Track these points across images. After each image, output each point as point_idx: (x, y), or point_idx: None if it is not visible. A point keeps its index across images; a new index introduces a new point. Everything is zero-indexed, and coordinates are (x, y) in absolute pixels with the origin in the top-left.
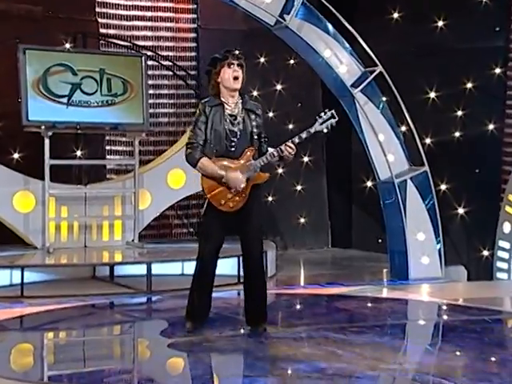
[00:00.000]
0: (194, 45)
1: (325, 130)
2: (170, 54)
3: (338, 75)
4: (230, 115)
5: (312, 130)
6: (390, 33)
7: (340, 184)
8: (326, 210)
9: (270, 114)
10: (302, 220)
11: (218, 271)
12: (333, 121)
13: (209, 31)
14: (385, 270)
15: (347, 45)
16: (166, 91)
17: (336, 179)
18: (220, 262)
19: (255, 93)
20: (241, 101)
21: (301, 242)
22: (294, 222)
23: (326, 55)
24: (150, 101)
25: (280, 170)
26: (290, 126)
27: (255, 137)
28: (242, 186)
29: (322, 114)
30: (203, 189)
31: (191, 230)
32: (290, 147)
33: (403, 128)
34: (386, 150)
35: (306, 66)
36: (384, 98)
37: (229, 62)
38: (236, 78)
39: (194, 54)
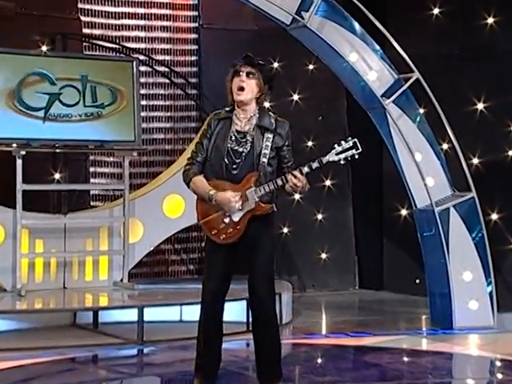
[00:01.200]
0: (194, 47)
1: (342, 162)
2: (167, 58)
3: (367, 83)
4: (238, 132)
5: (324, 160)
6: (428, 32)
7: (369, 212)
8: (352, 243)
9: None
10: (324, 255)
11: (224, 317)
12: (354, 152)
13: (212, 31)
14: (424, 317)
15: (377, 47)
16: (161, 102)
17: (364, 207)
18: (226, 306)
19: (267, 104)
20: (257, 116)
21: (322, 282)
22: (314, 258)
23: (351, 59)
24: (143, 113)
25: (297, 196)
26: (309, 144)
27: (264, 160)
28: (237, 206)
29: (343, 142)
30: (197, 214)
31: (191, 267)
32: (296, 178)
33: (445, 146)
34: (424, 173)
35: (328, 73)
36: (421, 110)
37: (237, 69)
38: (241, 89)
39: (194, 58)
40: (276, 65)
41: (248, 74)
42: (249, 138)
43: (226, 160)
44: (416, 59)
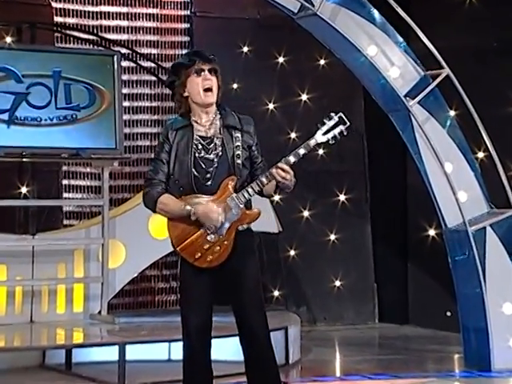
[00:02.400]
0: (186, 39)
1: (331, 142)
2: (153, 51)
3: (388, 81)
4: (203, 138)
5: (312, 143)
6: (460, 22)
7: (390, 232)
8: (370, 268)
9: (293, 135)
10: (338, 283)
11: (213, 356)
12: (342, 128)
13: (207, 20)
14: (456, 357)
15: (400, 38)
16: (147, 103)
17: (385, 225)
18: (219, 343)
19: (271, 106)
20: (219, 117)
21: (335, 315)
22: (326, 286)
23: (370, 53)
24: (126, 117)
25: (306, 213)
26: (320, 152)
27: (238, 162)
28: (220, 218)
29: (326, 120)
30: (171, 240)
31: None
32: (284, 170)
33: (480, 154)
34: (455, 186)
35: (343, 69)
36: (452, 113)
37: (197, 67)
38: (208, 90)
39: (185, 51)
40: (281, 59)
41: (211, 72)
42: (217, 141)
43: (194, 172)
44: (446, 53)
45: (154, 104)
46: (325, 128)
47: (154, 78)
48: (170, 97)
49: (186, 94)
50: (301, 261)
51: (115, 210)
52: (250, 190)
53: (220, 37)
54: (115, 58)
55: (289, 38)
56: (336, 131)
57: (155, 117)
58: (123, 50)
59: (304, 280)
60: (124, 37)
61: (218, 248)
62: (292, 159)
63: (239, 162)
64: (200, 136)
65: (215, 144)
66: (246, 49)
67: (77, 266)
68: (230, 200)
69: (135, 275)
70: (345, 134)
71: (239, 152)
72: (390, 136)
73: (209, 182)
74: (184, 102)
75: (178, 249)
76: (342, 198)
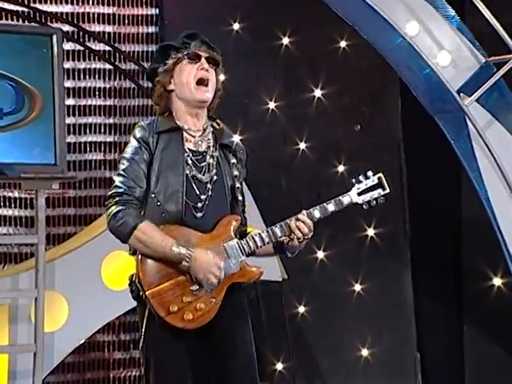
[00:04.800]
0: (152, 12)
1: (364, 206)
2: (108, 29)
3: (434, 71)
4: (193, 152)
5: (346, 201)
6: None
7: (439, 281)
8: (411, 331)
9: (302, 146)
10: (365, 352)
11: None
12: (380, 194)
13: None
14: None
15: (452, 12)
16: (99, 101)
17: (431, 271)
18: None
19: (272, 104)
20: (211, 130)
21: None
22: (349, 357)
23: (409, 32)
24: (70, 120)
25: (321, 254)
26: (340, 169)
27: (240, 198)
28: (222, 276)
29: (362, 177)
30: (139, 280)
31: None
32: (306, 225)
33: None
34: None
35: (371, 54)
36: None
37: (191, 52)
38: (203, 82)
39: (152, 29)
40: (286, 41)
41: (210, 61)
42: (210, 160)
43: (185, 195)
44: None
45: (109, 102)
46: (361, 186)
47: (108, 66)
48: (134, 92)
49: (171, 87)
50: (313, 320)
51: (54, 251)
52: (257, 239)
53: (201, 9)
54: (54, 38)
55: (296, 12)
56: (373, 195)
57: (111, 120)
58: (66, 28)
59: (318, 347)
60: (67, 9)
61: (203, 306)
62: (317, 214)
63: (240, 198)
64: (189, 149)
65: (208, 163)
66: (237, 26)
67: (0, 327)
68: (229, 246)
69: (82, 342)
70: (381, 201)
71: (239, 185)
72: (436, 147)
73: (199, 214)
74: (165, 99)
75: (147, 293)
76: (371, 232)
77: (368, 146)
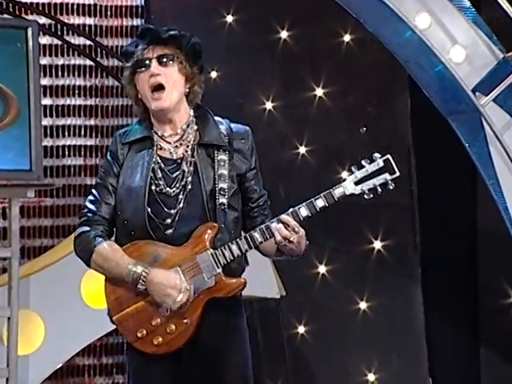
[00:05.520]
0: (137, 2)
1: (366, 196)
2: (89, 21)
3: (448, 68)
4: (167, 161)
5: (338, 193)
6: None
7: (452, 299)
8: (422, 354)
9: (302, 150)
10: (372, 377)
11: None
12: (387, 179)
13: None
14: None
15: (467, 3)
16: (79, 101)
17: (443, 288)
18: None
19: (269, 105)
20: (195, 128)
21: None
22: (354, 381)
23: (420, 25)
24: (46, 121)
25: (322, 269)
26: (344, 175)
27: (222, 201)
28: (183, 299)
29: (365, 161)
30: (108, 302)
31: None
32: (289, 226)
33: None
34: None
35: (378, 49)
36: None
37: (138, 59)
38: (157, 89)
39: (137, 21)
40: (284, 34)
41: (161, 60)
42: (186, 168)
43: (150, 212)
44: None
45: (90, 102)
46: (361, 174)
47: (89, 63)
48: (117, 91)
49: (139, 96)
50: (314, 342)
51: (29, 265)
52: (234, 247)
53: (191, 1)
54: (29, 31)
55: (296, 3)
56: (377, 181)
57: (92, 121)
58: (42, 20)
59: (319, 372)
60: None
61: (173, 327)
62: (304, 212)
63: (223, 200)
64: (162, 157)
65: (183, 172)
66: (230, 18)
67: None
68: (201, 259)
69: (59, 366)
70: (390, 187)
71: (224, 185)
72: (450, 152)
73: (169, 231)
74: (142, 106)
75: (114, 319)
76: (378, 245)
77: (374, 151)
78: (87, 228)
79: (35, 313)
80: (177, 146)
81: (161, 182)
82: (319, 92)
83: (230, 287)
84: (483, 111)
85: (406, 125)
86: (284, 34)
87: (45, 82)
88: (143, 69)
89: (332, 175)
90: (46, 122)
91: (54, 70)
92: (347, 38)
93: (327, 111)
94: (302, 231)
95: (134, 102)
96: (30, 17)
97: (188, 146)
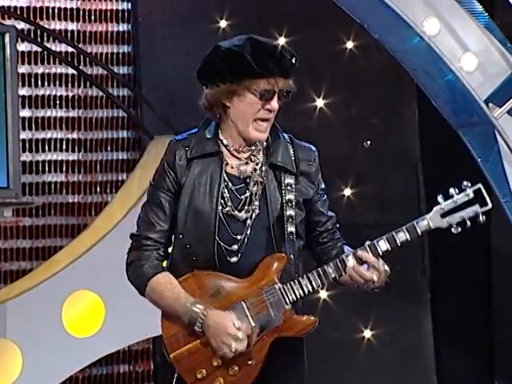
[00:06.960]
0: (124, 6)
1: (454, 230)
2: (71, 27)
3: (458, 77)
4: (234, 179)
5: (422, 225)
6: None
7: (465, 328)
8: None
9: None
10: None
11: None
12: (478, 211)
13: None
14: None
15: (480, 7)
16: (61, 113)
17: (455, 316)
18: None
19: None
20: (264, 146)
21: None
22: None
23: (428, 31)
24: (25, 135)
25: (323, 294)
26: (346, 192)
27: (291, 230)
28: (240, 347)
29: (453, 190)
30: (164, 340)
31: None
32: (367, 262)
33: None
34: None
35: (383, 57)
36: None
37: (265, 87)
38: (264, 121)
39: (124, 27)
40: (282, 41)
41: (282, 95)
42: (254, 189)
43: (217, 237)
44: None
45: (73, 114)
46: (448, 206)
47: (72, 71)
48: (102, 101)
49: (227, 103)
50: (314, 374)
51: (6, 291)
52: (305, 283)
53: (182, 4)
54: (7, 37)
55: (294, 7)
56: (466, 214)
57: (74, 135)
58: (21, 25)
59: None
60: (22, 2)
61: (236, 369)
62: (384, 246)
63: (292, 229)
64: (229, 175)
65: (251, 194)
66: (224, 23)
67: None
68: (269, 294)
69: None
70: (481, 220)
71: (292, 212)
72: (461, 167)
73: (234, 258)
74: (221, 109)
75: (171, 357)
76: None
77: (379, 166)
78: (139, 254)
79: (12, 342)
80: (246, 163)
81: (229, 203)
82: (320, 103)
83: (299, 326)
84: (497, 124)
85: (413, 138)
86: (282, 41)
87: (23, 92)
88: (265, 97)
89: (334, 192)
90: (24, 135)
91: (33, 79)
92: (350, 44)
93: (328, 123)
94: (381, 267)
95: (212, 104)
96: (7, 22)
97: (257, 165)
